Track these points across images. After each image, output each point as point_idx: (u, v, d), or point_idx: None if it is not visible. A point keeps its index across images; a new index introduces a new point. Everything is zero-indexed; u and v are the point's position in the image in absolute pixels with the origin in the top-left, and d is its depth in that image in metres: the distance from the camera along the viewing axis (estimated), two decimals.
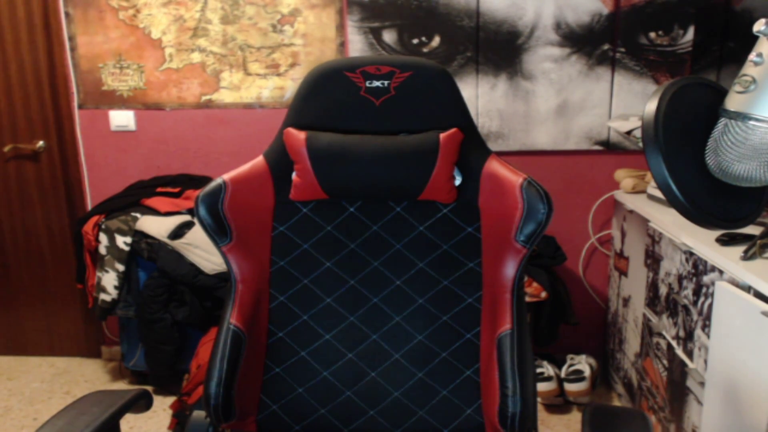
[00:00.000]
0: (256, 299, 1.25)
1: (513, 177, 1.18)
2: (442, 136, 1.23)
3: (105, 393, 1.09)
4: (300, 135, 1.25)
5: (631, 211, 2.25)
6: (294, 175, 1.28)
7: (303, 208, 1.30)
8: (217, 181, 1.21)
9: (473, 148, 1.27)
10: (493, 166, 1.24)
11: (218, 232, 1.21)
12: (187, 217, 2.46)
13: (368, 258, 1.29)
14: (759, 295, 1.36)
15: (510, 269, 1.16)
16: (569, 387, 2.43)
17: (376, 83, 1.26)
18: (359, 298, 1.29)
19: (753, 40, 1.07)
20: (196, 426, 1.20)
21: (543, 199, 1.12)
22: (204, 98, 2.66)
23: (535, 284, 2.33)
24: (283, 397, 1.26)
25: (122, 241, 2.40)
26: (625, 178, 2.37)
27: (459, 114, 1.27)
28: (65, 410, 1.03)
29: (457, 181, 1.27)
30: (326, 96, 1.28)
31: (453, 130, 1.25)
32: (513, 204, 1.15)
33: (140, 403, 1.11)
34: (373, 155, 1.23)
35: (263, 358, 1.27)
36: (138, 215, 2.46)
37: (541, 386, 2.42)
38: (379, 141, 1.25)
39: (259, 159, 1.29)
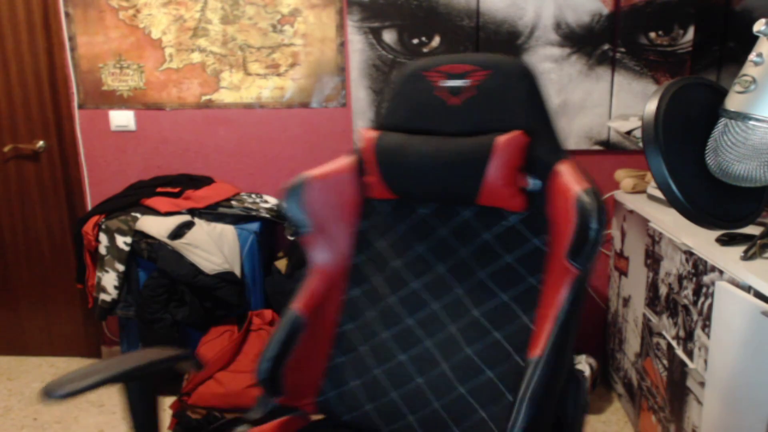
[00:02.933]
0: (327, 290, 1.30)
1: (573, 186, 1.05)
2: (499, 139, 1.15)
3: (151, 350, 1.19)
4: (370, 134, 1.28)
5: (631, 211, 2.25)
6: (369, 174, 1.31)
7: (380, 207, 1.34)
8: (301, 176, 1.27)
9: (547, 151, 1.17)
10: (562, 170, 1.12)
11: (298, 222, 1.27)
12: (187, 217, 2.46)
13: (432, 262, 1.28)
14: (759, 295, 1.36)
15: (561, 291, 1.03)
16: None
17: (452, 83, 1.23)
18: (419, 302, 1.28)
19: (753, 40, 1.07)
20: (260, 401, 1.27)
21: (594, 215, 0.99)
22: (204, 98, 2.65)
23: None
24: (340, 386, 1.30)
25: (122, 241, 2.40)
26: (625, 178, 2.37)
27: (535, 114, 1.18)
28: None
29: (531, 187, 1.17)
30: (403, 97, 1.29)
31: (515, 132, 1.15)
32: (569, 217, 1.03)
33: (185, 364, 1.21)
34: (429, 156, 1.21)
35: (327, 346, 1.31)
36: (138, 215, 2.45)
37: None
38: (438, 142, 1.21)
39: (350, 156, 1.34)
